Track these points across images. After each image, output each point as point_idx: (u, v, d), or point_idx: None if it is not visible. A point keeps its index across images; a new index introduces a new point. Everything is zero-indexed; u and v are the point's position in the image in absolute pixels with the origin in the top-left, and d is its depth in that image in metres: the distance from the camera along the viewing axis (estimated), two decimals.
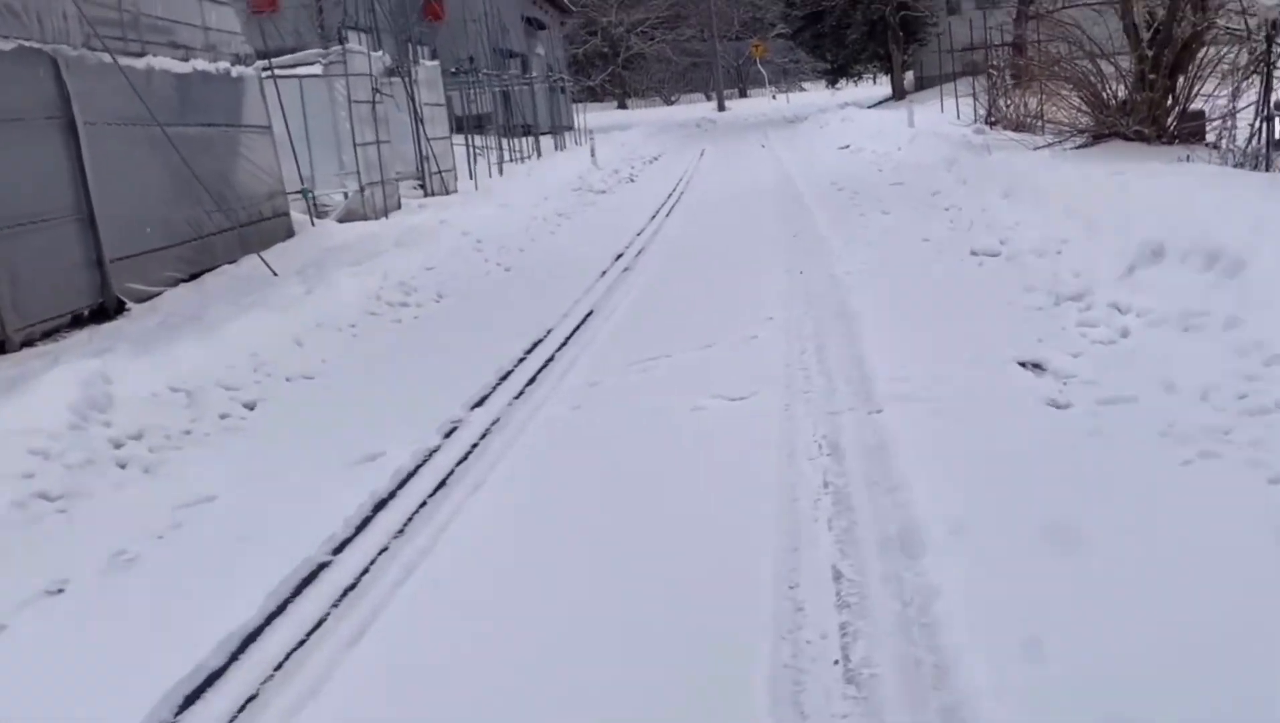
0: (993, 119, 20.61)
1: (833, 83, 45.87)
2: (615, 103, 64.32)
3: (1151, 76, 12.88)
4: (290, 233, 12.97)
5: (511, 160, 24.08)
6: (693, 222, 13.81)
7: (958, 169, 13.87)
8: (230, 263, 11.08)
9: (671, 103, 66.69)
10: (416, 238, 11.98)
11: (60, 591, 3.72)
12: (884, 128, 22.28)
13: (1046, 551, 3.41)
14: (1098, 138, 13.51)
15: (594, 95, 63.60)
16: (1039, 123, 18.16)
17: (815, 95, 55.53)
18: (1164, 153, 12.10)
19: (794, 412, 5.31)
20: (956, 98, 23.25)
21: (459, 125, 26.92)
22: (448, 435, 5.53)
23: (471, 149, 21.46)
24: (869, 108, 34.06)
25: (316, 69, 14.87)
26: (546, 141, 27.76)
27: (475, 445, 5.33)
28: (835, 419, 5.10)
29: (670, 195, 17.15)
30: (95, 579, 3.77)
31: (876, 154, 19.29)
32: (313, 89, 14.78)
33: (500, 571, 3.74)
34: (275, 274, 10.36)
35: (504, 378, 6.62)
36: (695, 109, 53.86)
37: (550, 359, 7.02)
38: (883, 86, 45.28)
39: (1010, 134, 15.42)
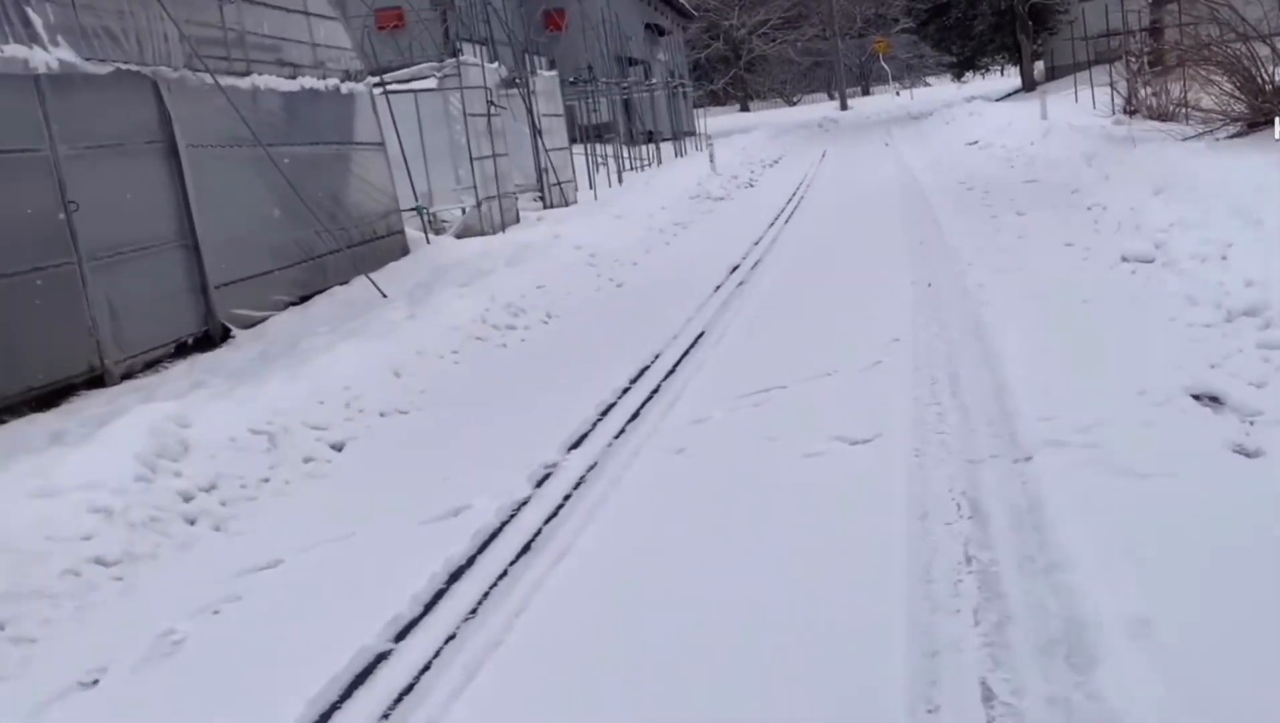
0: (1132, 108, 19.33)
1: (959, 76, 44.28)
2: (737, 105, 63.63)
3: None
4: (405, 251, 12.76)
5: (631, 169, 23.71)
6: (811, 229, 13.12)
7: (1099, 164, 12.85)
8: (342, 284, 10.87)
9: (794, 103, 65.66)
10: (529, 254, 11.59)
11: (95, 681, 3.34)
12: (1014, 121, 21.13)
13: (1258, 661, 2.72)
14: (1252, 126, 12.38)
15: (716, 99, 63.03)
16: (1183, 111, 16.94)
17: (941, 90, 53.83)
18: None
19: (926, 459, 4.66)
20: (1092, 87, 21.92)
21: (580, 135, 26.76)
22: (539, 484, 5.05)
23: (592, 159, 21.17)
24: (997, 101, 32.65)
25: (431, 83, 14.67)
26: (668, 148, 27.32)
27: (568, 497, 4.83)
28: (975, 470, 4.44)
29: (790, 200, 16.48)
30: (132, 670, 3.38)
31: (1007, 149, 18.24)
32: (428, 103, 14.60)
33: (573, 668, 3.21)
34: (384, 296, 10.09)
35: (605, 412, 6.12)
36: (817, 109, 52.81)
37: (656, 390, 6.49)
38: (1011, 78, 43.54)
39: (1154, 124, 14.28)
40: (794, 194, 17.44)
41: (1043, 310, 6.99)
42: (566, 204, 17.45)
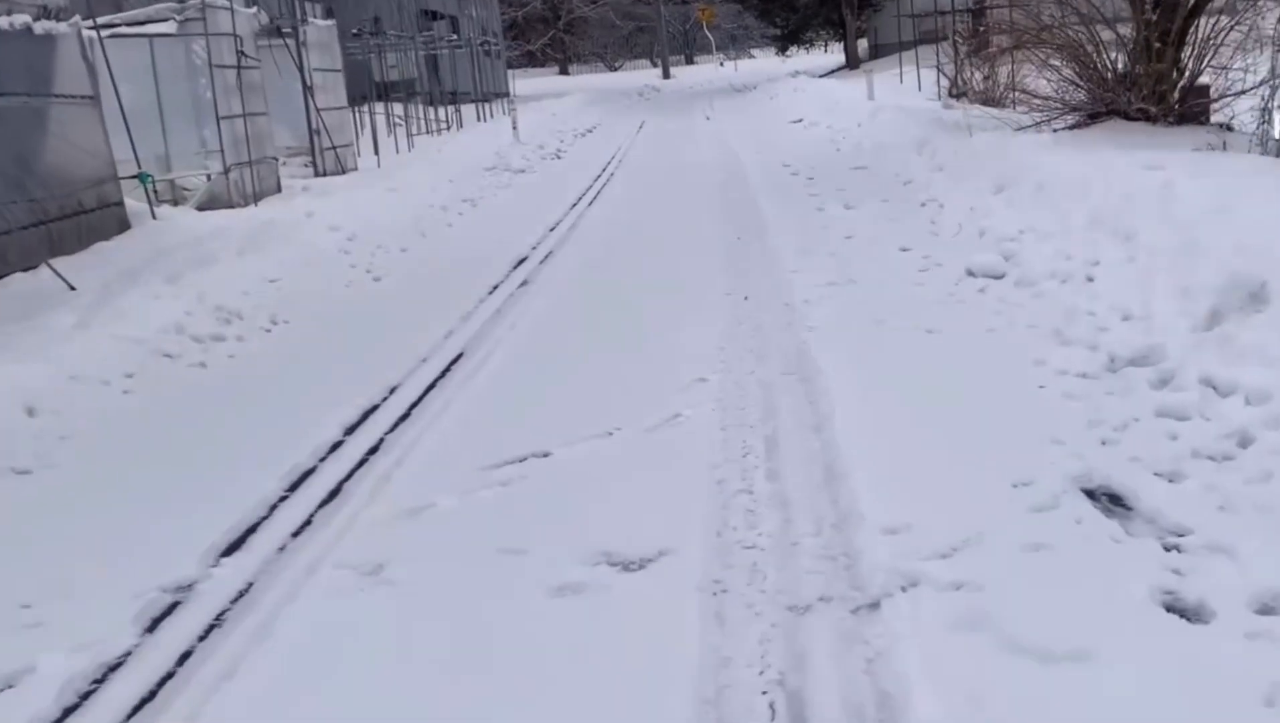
0: (958, 91, 18.57)
1: (783, 50, 43.65)
2: (556, 69, 61.55)
3: (1158, 45, 10.82)
4: (124, 227, 10.49)
5: (428, 132, 21.64)
6: (618, 214, 11.54)
7: (931, 152, 11.72)
8: (27, 270, 8.62)
9: (615, 69, 64.05)
10: (272, 236, 9.60)
11: None
12: (840, 100, 20.11)
13: None
14: (1093, 116, 11.46)
15: (534, 60, 60.85)
16: (1012, 97, 16.15)
17: (764, 63, 53.22)
18: (1176, 136, 10.05)
19: (729, 603, 3.13)
20: (918, 68, 21.14)
21: (380, 93, 24.40)
22: (150, 629, 3.28)
23: (391, 119, 19.01)
24: (821, 77, 31.88)
25: (170, 27, 12.33)
26: (473, 111, 25.27)
27: (183, 658, 3.09)
28: (799, 629, 2.94)
29: (598, 177, 14.87)
30: None
31: (833, 130, 17.13)
32: (166, 52, 12.28)
33: None
34: (72, 288, 7.97)
35: (294, 487, 4.37)
36: (639, 76, 51.36)
37: (374, 449, 4.77)
38: (835, 55, 43.14)
39: (987, 110, 13.28)
40: (604, 169, 15.84)
41: (881, 343, 5.59)
42: (343, 171, 15.34)
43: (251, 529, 3.98)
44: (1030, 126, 11.69)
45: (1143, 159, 7.79)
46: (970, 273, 6.81)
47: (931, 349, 5.38)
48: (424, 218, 11.49)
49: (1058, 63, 11.77)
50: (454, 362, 6.09)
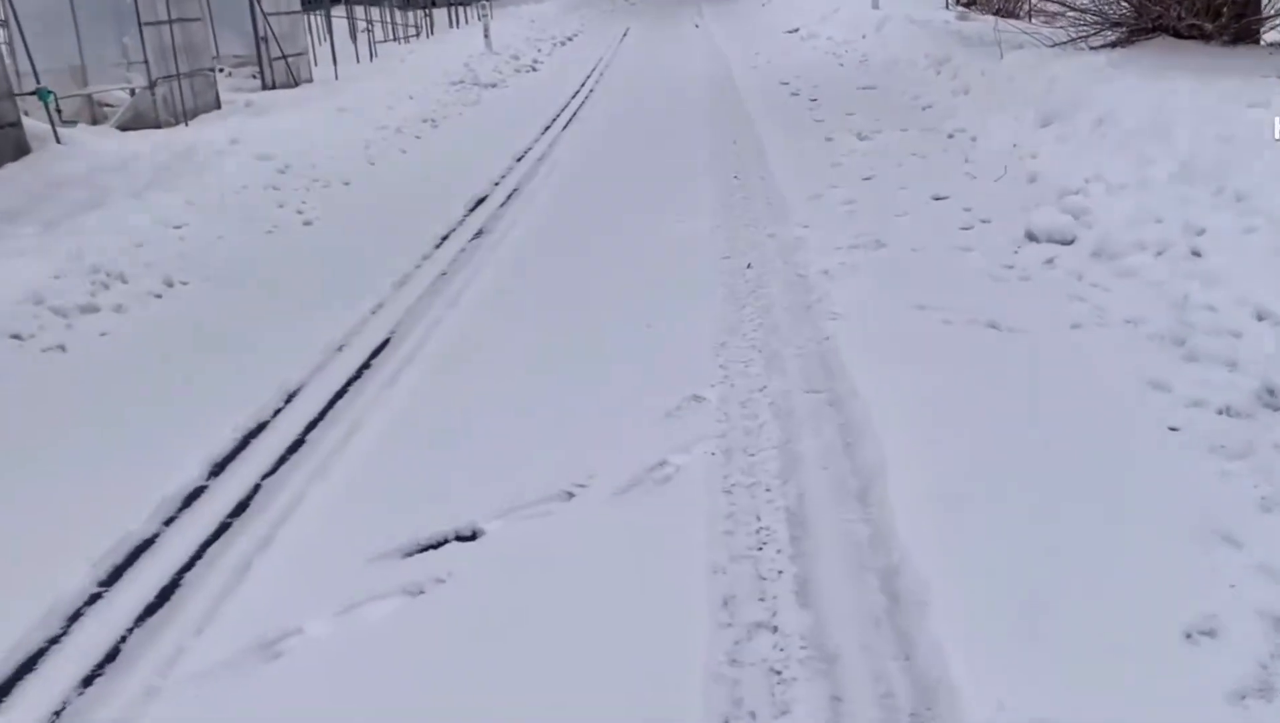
0: (968, 0, 16.96)
1: None
2: None
3: None
4: (21, 152, 8.97)
5: (395, 39, 19.88)
6: (592, 143, 10.04)
7: (953, 72, 10.24)
8: None
9: None
10: (188, 167, 8.13)
11: None
12: (840, 7, 18.42)
13: None
14: (1136, 33, 9.99)
15: None
16: (1029, 7, 14.56)
17: None
18: (1242, 58, 8.65)
19: None
20: None
21: None
22: None
23: (353, 25, 17.27)
24: None
25: None
26: (455, 16, 23.40)
27: None
28: None
29: (575, 95, 13.28)
30: None
31: (834, 42, 15.54)
32: None
33: None
34: None
35: (111, 580, 3.03)
36: None
37: (240, 508, 3.42)
38: None
39: (1009, 23, 11.73)
40: (582, 85, 14.24)
41: (931, 345, 4.23)
42: (295, 84, 13.71)
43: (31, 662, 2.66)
44: (1065, 43, 10.22)
45: (1228, 90, 6.39)
46: (1031, 236, 5.44)
47: (1002, 358, 4.03)
48: (375, 142, 9.97)
49: None
50: (376, 352, 4.73)
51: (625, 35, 21.89)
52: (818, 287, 5.03)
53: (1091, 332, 4.21)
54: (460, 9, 23.62)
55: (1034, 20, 12.48)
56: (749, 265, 5.53)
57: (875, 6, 16.85)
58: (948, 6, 16.95)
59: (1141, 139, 6.07)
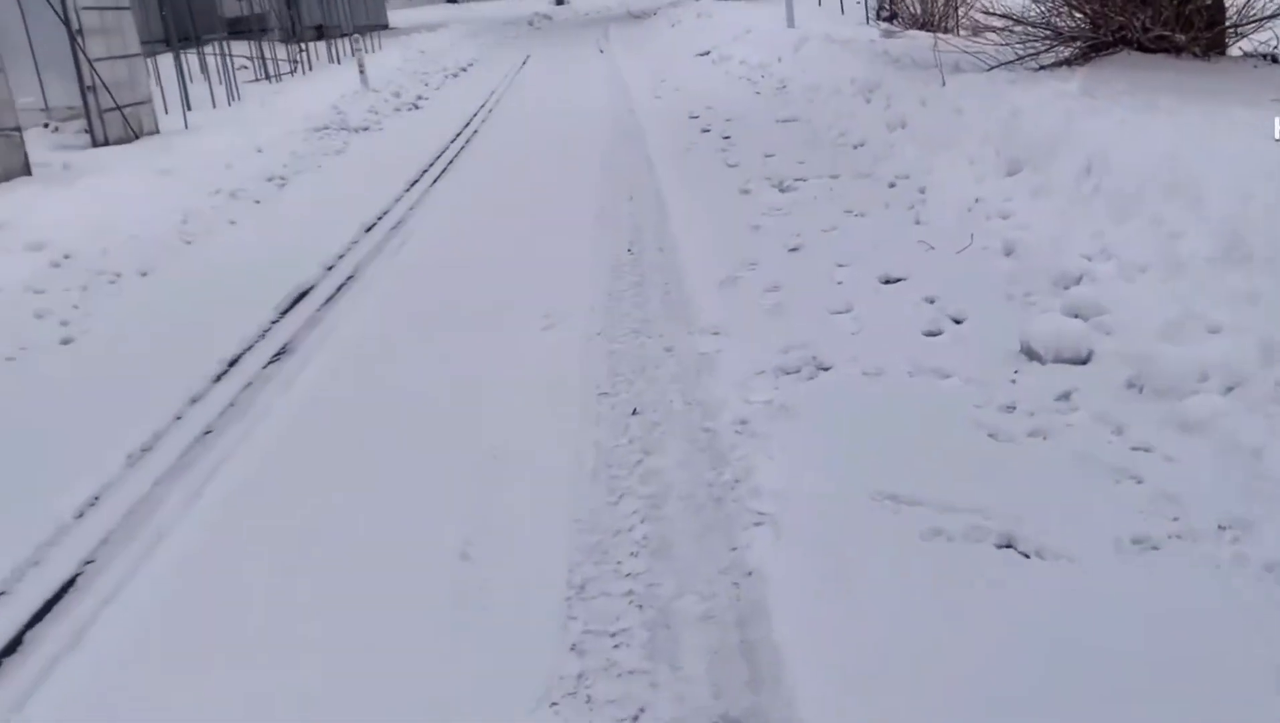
0: (888, 13, 15.60)
1: None
2: None
3: None
4: None
5: (267, 77, 17.97)
6: (463, 202, 8.34)
7: (886, 99, 8.74)
8: None
9: None
10: None
11: None
12: (754, 27, 16.99)
13: None
14: (1092, 48, 8.60)
15: None
16: (956, 20, 13.22)
17: None
18: (1230, 74, 7.32)
19: None
20: None
21: (232, 28, 20.60)
22: None
23: (228, 63, 15.34)
24: (726, 0, 28.60)
25: None
26: (339, 48, 21.51)
27: None
28: None
29: (456, 138, 11.56)
30: None
31: (749, 66, 14.04)
32: None
33: None
34: None
35: None
36: (532, 3, 47.30)
37: None
38: None
39: (945, 40, 10.29)
40: (467, 125, 12.52)
41: (925, 586, 2.60)
42: (136, 136, 11.83)
43: None
44: (1012, 63, 8.79)
45: (1245, 123, 4.91)
46: (1030, 352, 3.86)
47: (1038, 626, 2.41)
48: (199, 213, 8.18)
49: None
50: (99, 550, 2.98)
51: (524, 64, 20.23)
52: (735, 453, 3.39)
53: (1169, 554, 2.61)
54: (343, 41, 21.81)
55: (963, 34, 11.07)
56: (634, 411, 3.86)
57: (791, 25, 15.41)
58: (869, 22, 15.58)
59: (1154, 197, 4.53)
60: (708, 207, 6.93)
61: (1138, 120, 5.36)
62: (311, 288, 6.14)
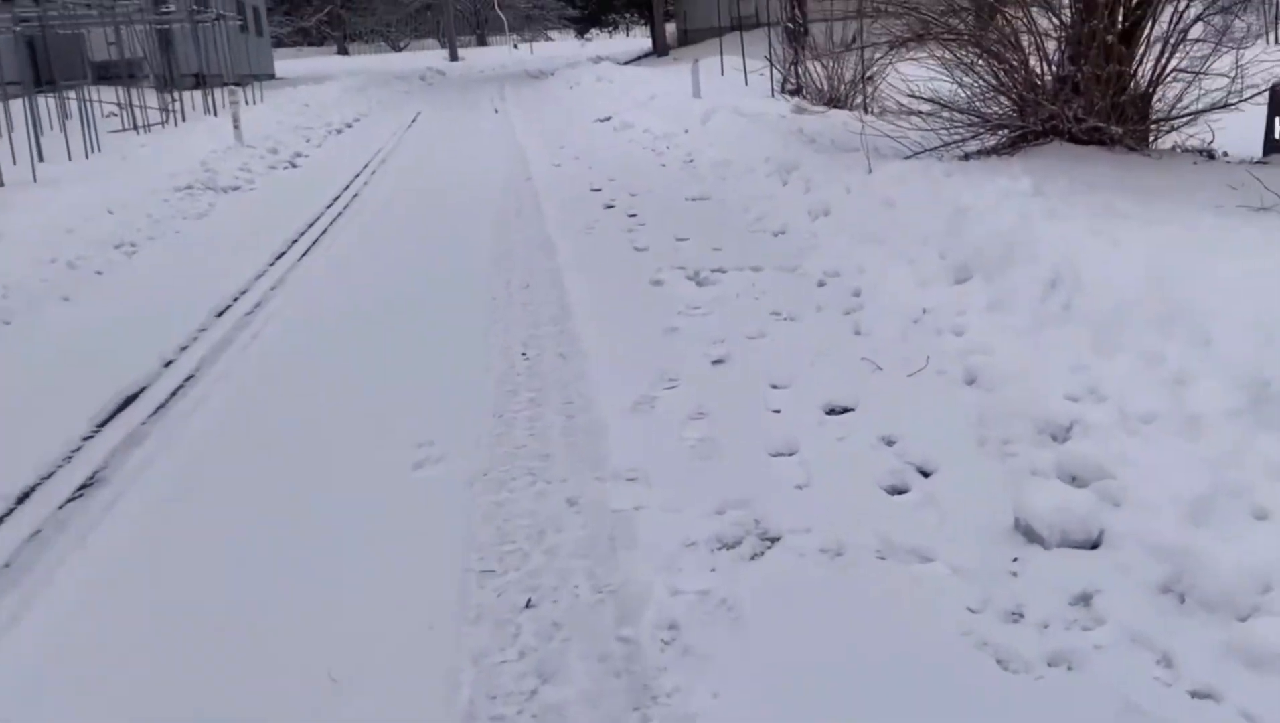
0: (791, 88, 15.20)
1: (583, 33, 39.88)
2: (335, 48, 55.71)
3: (1110, 39, 7.65)
4: None
5: (137, 128, 16.68)
6: (326, 287, 7.37)
7: (805, 183, 8.12)
8: None
9: (400, 49, 58.67)
10: None
11: None
12: (657, 95, 16.44)
13: None
14: (1021, 137, 8.15)
15: (311, 39, 55.03)
16: (865, 99, 12.80)
17: (563, 46, 49.33)
18: (1172, 169, 6.92)
19: None
20: (744, 58, 17.73)
21: (101, 73, 19.26)
22: None
23: (87, 107, 14.04)
24: (625, 64, 28.24)
25: None
26: (217, 97, 20.23)
27: None
28: None
29: (333, 202, 10.56)
30: None
31: (653, 135, 13.39)
32: None
33: None
34: None
35: None
36: (425, 57, 46.44)
37: None
38: (640, 39, 39.61)
39: (866, 121, 9.75)
40: (346, 187, 11.52)
41: None
42: None
43: None
44: (938, 149, 8.27)
45: (1222, 233, 4.32)
46: (1028, 532, 3.09)
47: None
48: (23, 286, 7.05)
49: (980, 61, 8.34)
50: None
51: (414, 121, 19.30)
52: (663, 684, 2.53)
53: None
54: (223, 91, 20.59)
55: (877, 114, 10.59)
56: (529, 602, 2.97)
57: (697, 95, 14.86)
58: (774, 95, 15.14)
59: (1143, 327, 3.87)
60: (615, 300, 6.11)
61: (1104, 229, 4.72)
62: (141, 391, 5.11)
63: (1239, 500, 2.96)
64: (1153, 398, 3.53)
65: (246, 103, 19.65)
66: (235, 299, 6.79)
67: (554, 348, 5.31)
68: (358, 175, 12.37)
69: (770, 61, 15.58)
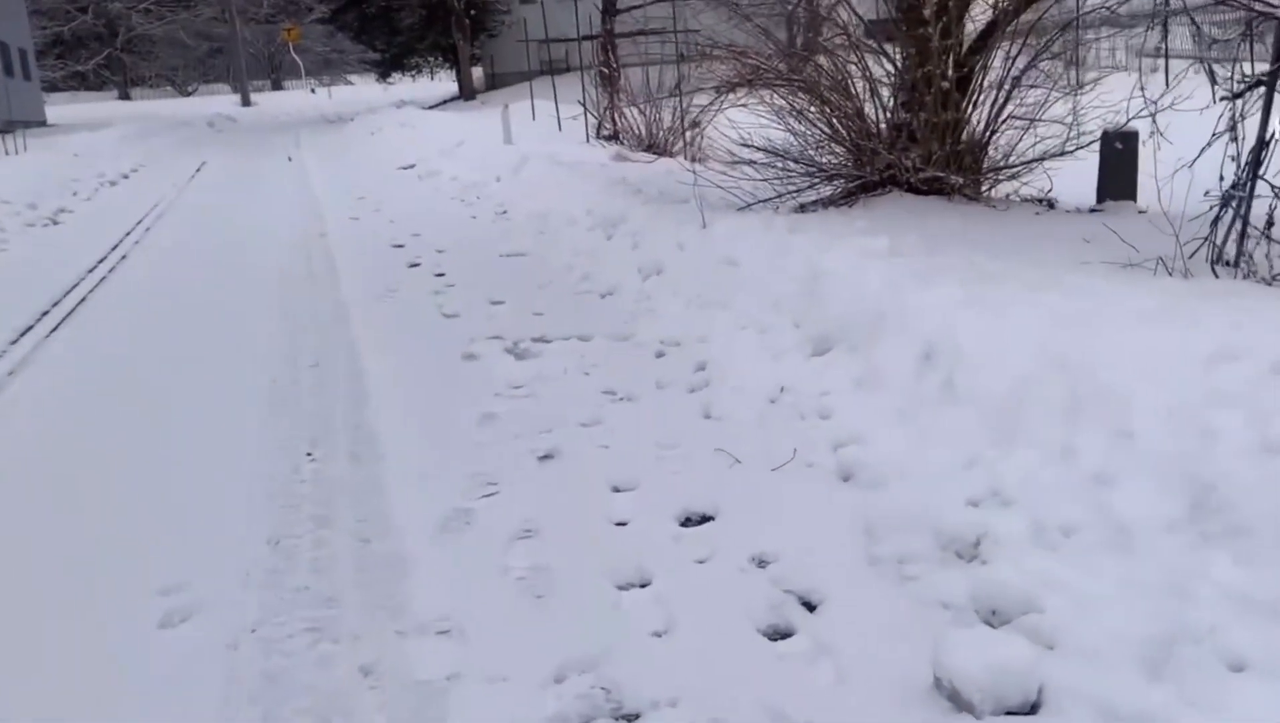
0: (607, 134, 14.69)
1: (384, 76, 38.61)
2: (117, 93, 52.44)
3: (945, 85, 7.37)
4: None
5: None
6: (86, 371, 6.23)
7: (632, 239, 7.48)
8: None
9: (189, 94, 55.76)
10: None
11: None
12: (465, 140, 15.61)
13: None
14: (859, 187, 7.76)
15: (88, 83, 51.63)
16: (692, 148, 12.39)
17: (365, 90, 47.83)
18: (1014, 224, 6.60)
19: None
20: (556, 103, 17.18)
21: None
22: None
23: None
24: (431, 108, 27.31)
25: None
26: None
27: None
28: None
29: (97, 265, 9.27)
30: None
31: (461, 184, 12.57)
32: None
33: None
34: None
35: None
36: (216, 102, 44.13)
37: None
38: (446, 83, 38.71)
39: (687, 169, 9.22)
40: (113, 250, 10.19)
41: None
42: None
43: None
44: (772, 200, 7.79)
45: (1123, 301, 3.85)
46: (953, 695, 2.44)
47: None
48: None
49: (807, 107, 7.90)
50: None
51: (198, 172, 17.84)
52: None
53: None
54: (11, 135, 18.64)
55: (698, 161, 10.12)
56: None
57: (508, 141, 14.13)
58: (589, 141, 14.57)
59: (1046, 411, 3.32)
60: (421, 380, 5.27)
61: (980, 293, 4.21)
62: None
63: (1203, 645, 2.38)
64: (1071, 503, 2.96)
65: (7, 152, 17.77)
66: None
67: (346, 446, 4.42)
68: (129, 232, 11.04)
69: (585, 107, 15.03)
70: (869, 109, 7.65)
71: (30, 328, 6.99)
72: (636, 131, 13.79)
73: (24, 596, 3.33)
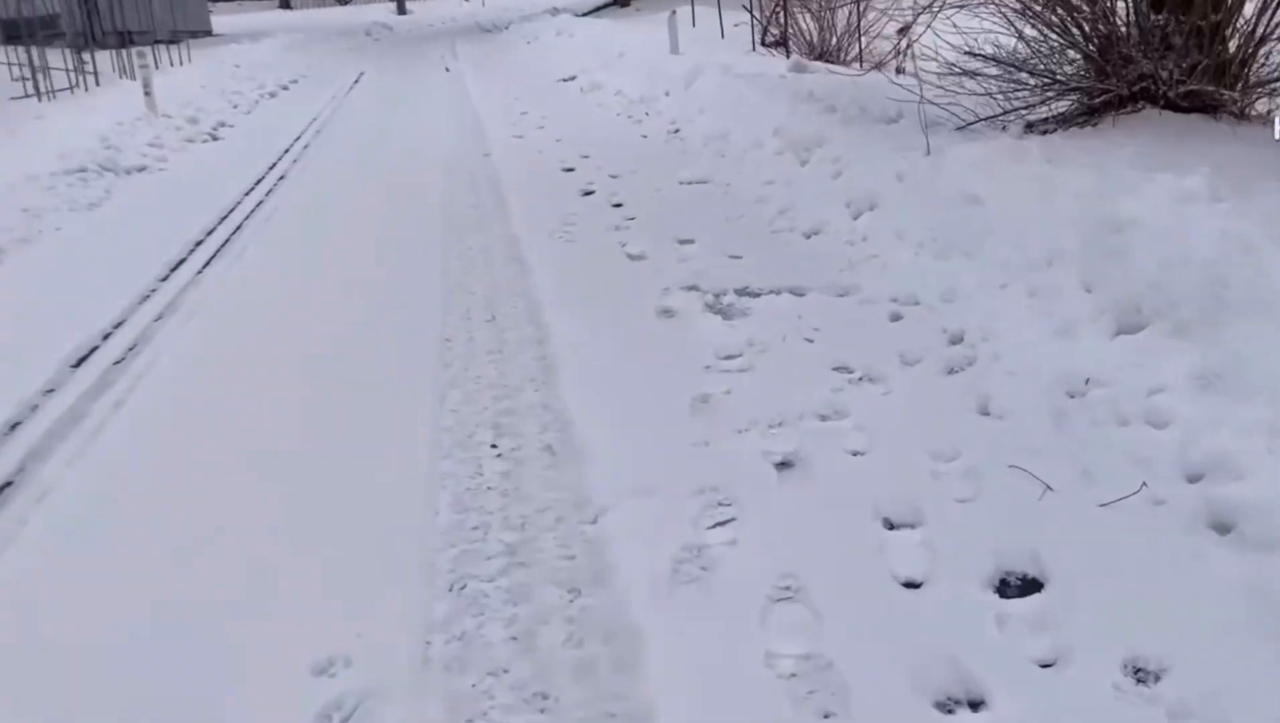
0: (772, 39, 13.45)
1: None
2: (277, 2, 52.85)
3: None
4: None
5: (40, 94, 14.64)
6: (244, 311, 5.62)
7: (834, 165, 6.47)
8: None
9: (346, 3, 55.86)
10: None
11: None
12: (627, 51, 14.60)
13: None
14: (1102, 104, 6.51)
15: None
16: (848, 51, 11.17)
17: None
18: None
19: None
20: (720, 7, 15.94)
21: (11, 32, 17.11)
22: None
23: None
24: (584, 15, 26.24)
25: None
26: (117, 61, 18.11)
27: None
28: None
29: (252, 189, 8.73)
30: None
31: (628, 100, 11.63)
32: None
33: None
34: None
35: None
36: (373, 11, 43.92)
37: None
38: None
39: (900, 82, 8.07)
40: (272, 167, 9.68)
41: None
42: None
43: None
44: (996, 117, 6.64)
45: None
46: None
47: None
48: None
49: (1042, 8, 6.65)
50: None
51: (355, 83, 17.32)
52: None
53: None
54: (178, 47, 18.52)
55: (906, 73, 8.94)
56: None
57: (675, 51, 13.07)
58: (755, 49, 13.39)
59: None
60: (613, 346, 4.44)
61: None
62: None
63: None
64: None
65: (173, 64, 17.59)
66: (105, 337, 5.04)
67: (536, 435, 3.64)
68: (284, 152, 10.52)
69: (749, 10, 13.81)
70: (1120, 6, 6.38)
71: (182, 261, 6.46)
72: (807, 38, 12.56)
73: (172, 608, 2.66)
